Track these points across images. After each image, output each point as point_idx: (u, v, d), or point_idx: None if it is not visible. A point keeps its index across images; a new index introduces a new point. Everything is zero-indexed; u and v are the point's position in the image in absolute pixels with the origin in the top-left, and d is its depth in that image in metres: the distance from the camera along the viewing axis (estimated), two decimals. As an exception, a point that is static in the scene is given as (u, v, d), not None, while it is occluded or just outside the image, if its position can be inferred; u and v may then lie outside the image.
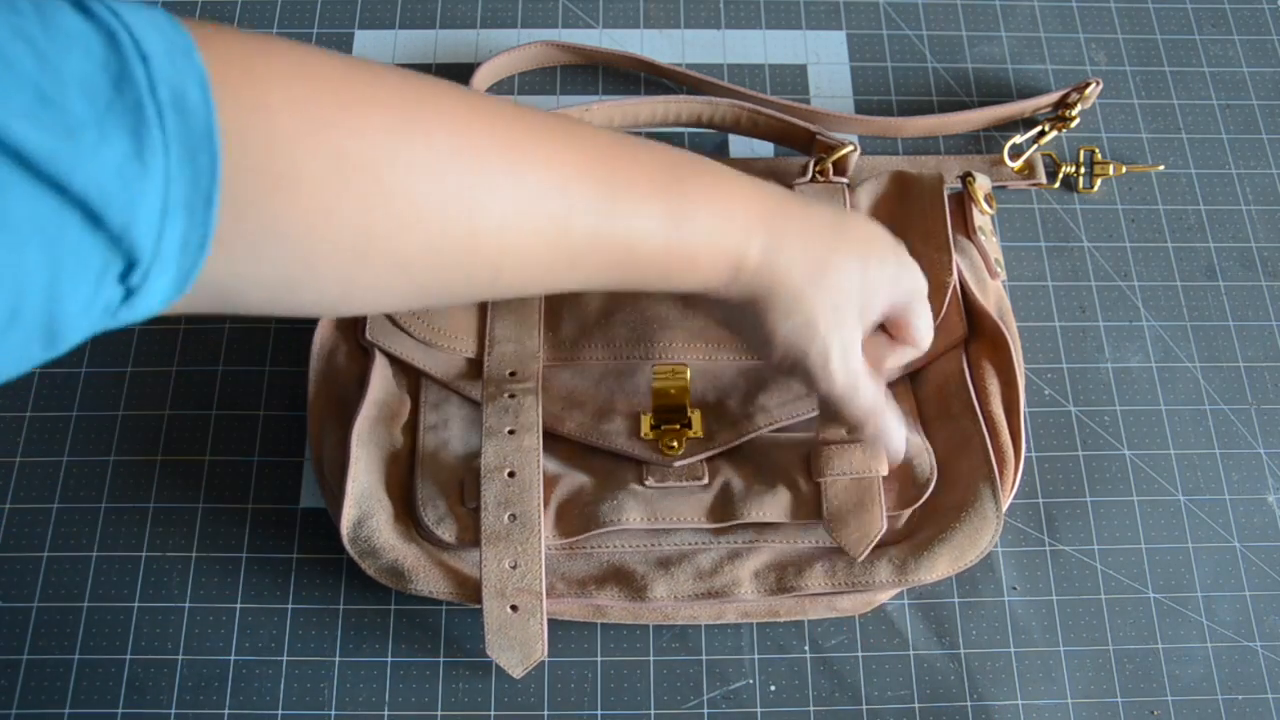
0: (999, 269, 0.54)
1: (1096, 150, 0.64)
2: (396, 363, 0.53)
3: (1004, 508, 0.49)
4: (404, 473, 0.50)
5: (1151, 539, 0.55)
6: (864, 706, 0.51)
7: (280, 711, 0.51)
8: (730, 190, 0.41)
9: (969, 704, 0.52)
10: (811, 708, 0.51)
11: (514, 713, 0.51)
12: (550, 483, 0.49)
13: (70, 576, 0.53)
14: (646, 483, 0.49)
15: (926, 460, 0.50)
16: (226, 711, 0.51)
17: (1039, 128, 0.64)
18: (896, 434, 0.46)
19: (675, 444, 0.50)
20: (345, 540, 0.47)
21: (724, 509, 0.48)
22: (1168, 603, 0.54)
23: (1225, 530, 0.55)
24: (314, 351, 0.53)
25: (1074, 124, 0.64)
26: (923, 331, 0.47)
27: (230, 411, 0.57)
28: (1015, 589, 0.54)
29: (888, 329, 0.47)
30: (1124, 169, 0.63)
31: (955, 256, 0.53)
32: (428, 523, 0.48)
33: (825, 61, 0.67)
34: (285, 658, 0.52)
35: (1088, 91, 0.63)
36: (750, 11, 0.68)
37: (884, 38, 0.67)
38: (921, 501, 0.49)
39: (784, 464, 0.49)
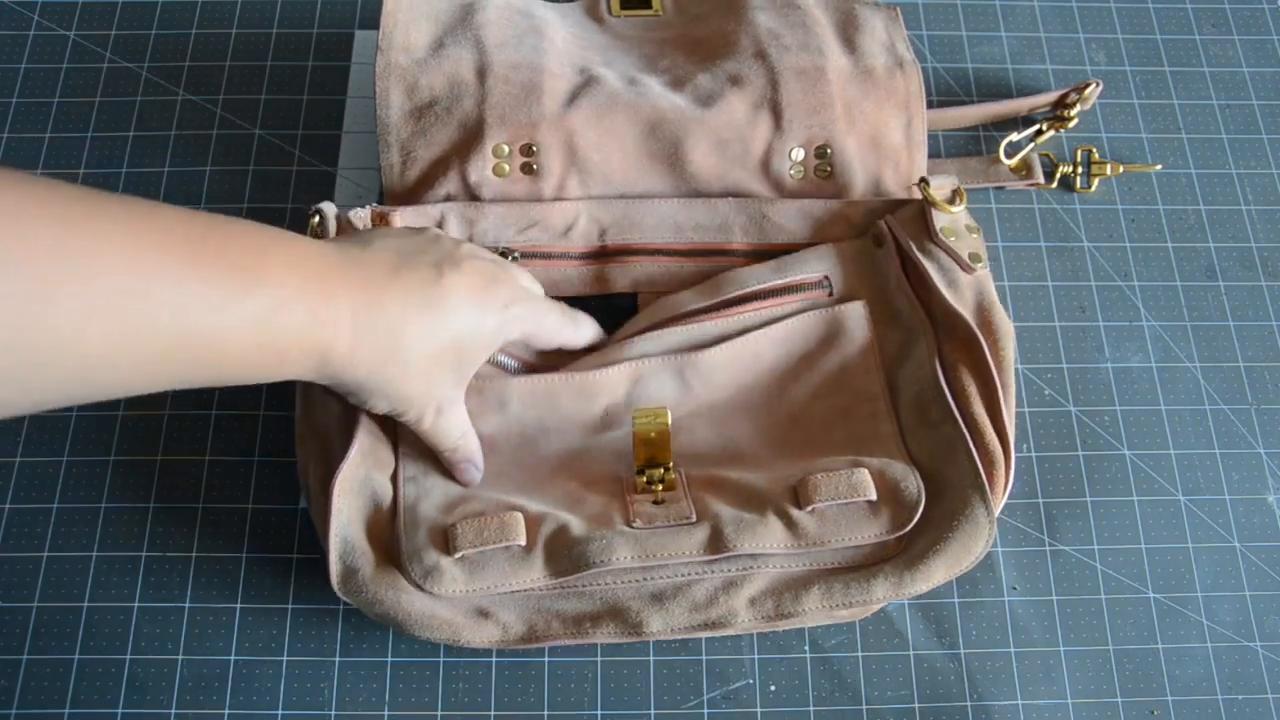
0: (976, 263, 0.53)
1: (1094, 150, 0.64)
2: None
3: (996, 510, 0.48)
4: (389, 523, 0.49)
5: (1151, 539, 0.55)
6: (864, 706, 0.51)
7: (280, 711, 0.51)
8: (318, 279, 0.42)
9: (969, 704, 0.52)
10: (811, 708, 0.51)
11: (514, 713, 0.51)
12: (534, 523, 0.48)
13: (70, 576, 0.53)
14: (635, 525, 0.48)
15: (913, 482, 0.48)
16: (226, 711, 0.51)
17: (1036, 126, 0.64)
18: (472, 468, 0.50)
19: (659, 486, 0.50)
20: (338, 592, 0.46)
21: (716, 543, 0.47)
22: (1168, 603, 0.54)
23: (1225, 530, 0.55)
24: (299, 390, 0.51)
25: (1072, 124, 0.64)
26: (559, 343, 0.52)
27: (230, 411, 0.57)
28: (1015, 589, 0.54)
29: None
30: (1121, 168, 0.63)
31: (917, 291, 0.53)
32: (415, 577, 0.46)
33: (825, 61, 0.67)
34: (285, 658, 0.52)
35: (1087, 92, 0.63)
36: (750, 11, 0.68)
37: (884, 38, 0.67)
38: (913, 524, 0.48)
39: (772, 495, 0.49)
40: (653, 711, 0.51)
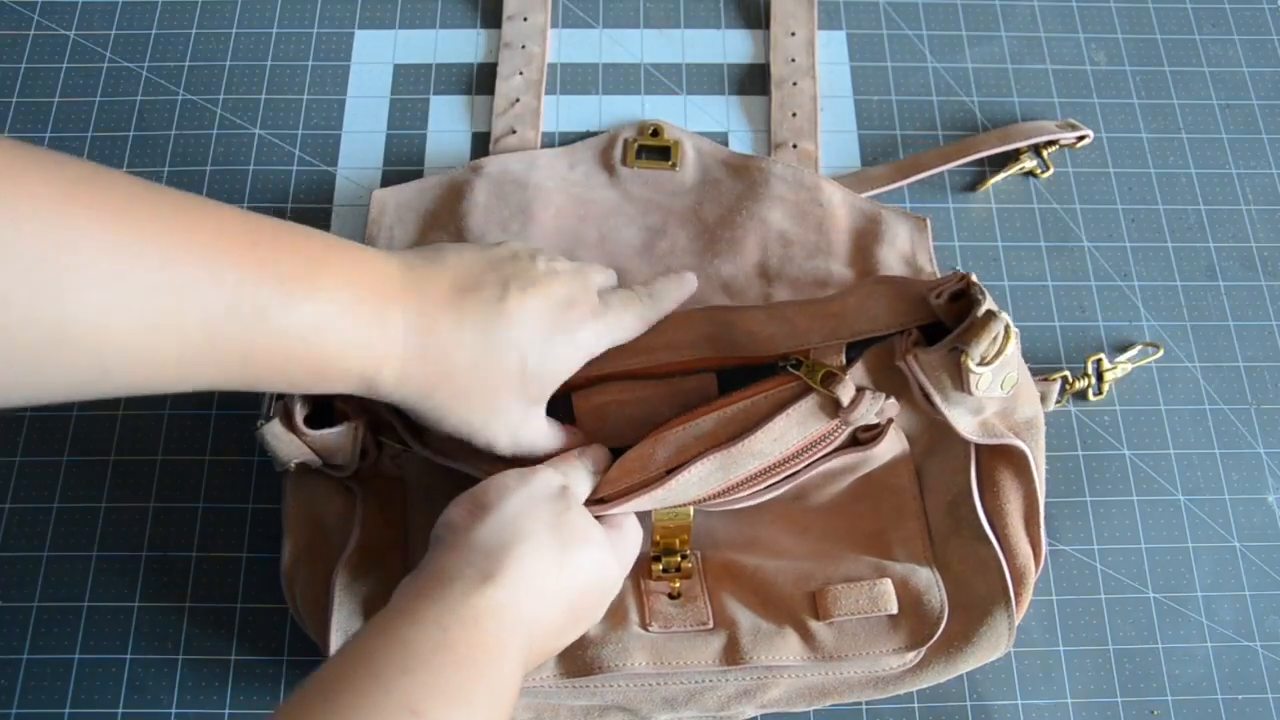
0: (1009, 386, 0.47)
1: (1102, 357, 0.58)
2: (386, 501, 0.50)
3: (1020, 616, 0.47)
4: None
5: (1151, 539, 0.55)
6: (864, 706, 0.51)
7: (280, 711, 0.51)
8: (372, 298, 0.40)
9: (969, 704, 0.52)
10: (811, 708, 0.51)
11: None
12: None
13: (70, 576, 0.53)
14: (651, 629, 0.47)
15: (936, 595, 0.47)
16: (226, 711, 0.51)
17: (1019, 166, 0.62)
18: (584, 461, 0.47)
19: (675, 576, 0.49)
20: None
21: (733, 653, 0.46)
22: (1168, 603, 0.54)
23: (1225, 530, 0.55)
24: (288, 481, 0.49)
25: (1049, 173, 0.62)
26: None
27: (230, 412, 0.57)
28: (1015, 589, 0.54)
29: None
30: (1130, 366, 0.58)
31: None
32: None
33: (825, 61, 0.67)
34: (285, 658, 0.52)
35: (1079, 145, 0.63)
36: (751, 12, 0.68)
37: (884, 38, 0.67)
38: (934, 640, 0.47)
39: (790, 604, 0.48)
40: (653, 711, 0.51)
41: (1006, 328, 0.44)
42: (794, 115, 0.64)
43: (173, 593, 0.53)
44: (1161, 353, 0.59)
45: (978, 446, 0.48)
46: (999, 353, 0.44)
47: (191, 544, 0.54)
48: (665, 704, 0.48)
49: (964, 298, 0.46)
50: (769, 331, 0.49)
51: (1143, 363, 0.59)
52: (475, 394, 0.44)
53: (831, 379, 0.46)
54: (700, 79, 0.66)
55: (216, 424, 0.57)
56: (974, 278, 0.46)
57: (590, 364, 0.47)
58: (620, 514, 0.46)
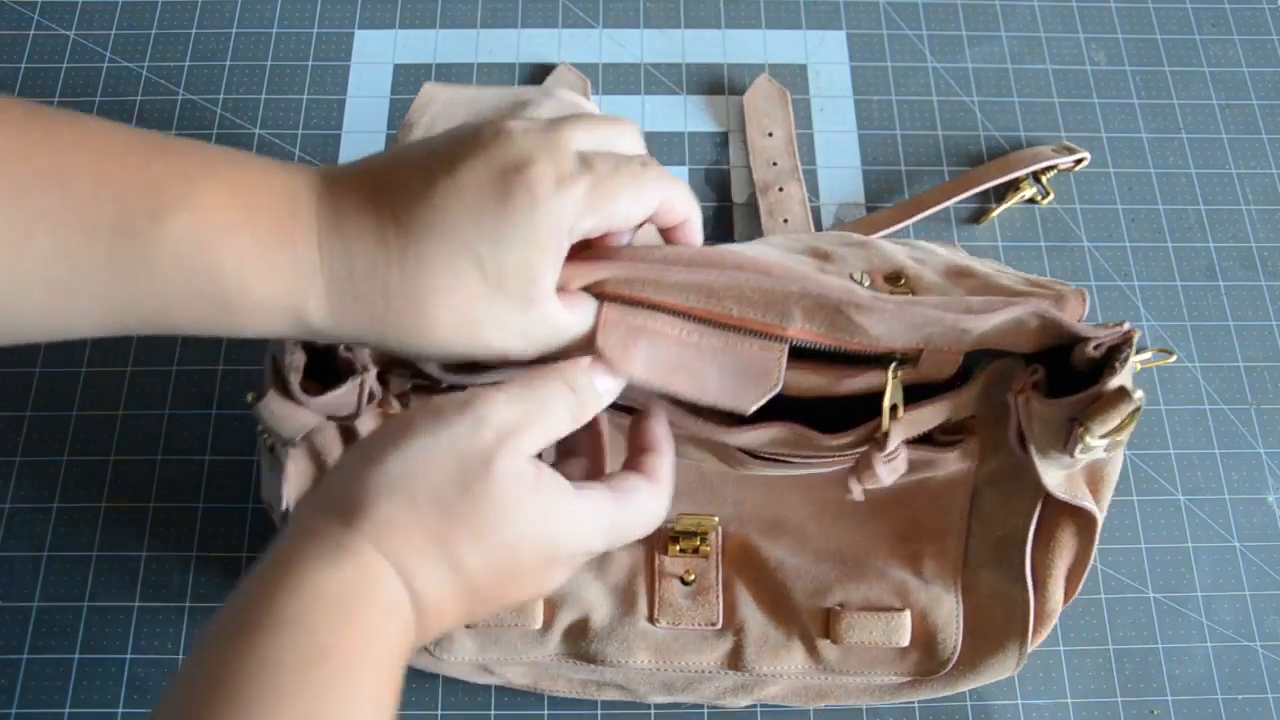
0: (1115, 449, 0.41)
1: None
2: None
3: (1027, 653, 0.46)
4: None
5: (1151, 539, 0.55)
6: (864, 706, 0.51)
7: (280, 711, 0.51)
8: (276, 209, 0.33)
9: (969, 704, 0.52)
10: (812, 707, 0.51)
11: (514, 712, 0.51)
12: (552, 604, 0.47)
13: (70, 576, 0.53)
14: (658, 624, 0.47)
15: (952, 636, 0.46)
16: (226, 711, 0.51)
17: (1020, 195, 0.62)
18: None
19: (690, 575, 0.48)
20: None
21: (735, 660, 0.47)
22: (1168, 602, 0.54)
23: (1225, 530, 0.55)
24: (292, 453, 0.43)
25: (1049, 198, 0.62)
26: (628, 228, 0.37)
27: (230, 411, 0.57)
28: (1015, 589, 0.54)
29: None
30: (1138, 366, 0.56)
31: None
32: (424, 644, 0.43)
33: (825, 61, 0.67)
34: (285, 658, 0.52)
35: (1077, 168, 0.63)
36: (750, 11, 0.68)
37: (884, 38, 0.67)
38: (939, 676, 0.47)
39: (802, 617, 0.47)
40: (652, 710, 0.51)
41: (1136, 409, 0.38)
42: (785, 221, 0.60)
43: (173, 592, 0.53)
44: (1174, 358, 0.58)
45: (1045, 496, 0.43)
46: (1120, 430, 0.38)
47: (191, 544, 0.54)
48: (663, 688, 0.49)
49: (1109, 356, 0.39)
50: (886, 332, 0.39)
51: (1152, 364, 0.58)
52: (434, 311, 0.34)
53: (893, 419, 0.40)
54: (700, 79, 0.66)
55: (216, 424, 0.57)
56: (1136, 336, 0.39)
57: (633, 271, 0.37)
58: (667, 474, 0.39)
